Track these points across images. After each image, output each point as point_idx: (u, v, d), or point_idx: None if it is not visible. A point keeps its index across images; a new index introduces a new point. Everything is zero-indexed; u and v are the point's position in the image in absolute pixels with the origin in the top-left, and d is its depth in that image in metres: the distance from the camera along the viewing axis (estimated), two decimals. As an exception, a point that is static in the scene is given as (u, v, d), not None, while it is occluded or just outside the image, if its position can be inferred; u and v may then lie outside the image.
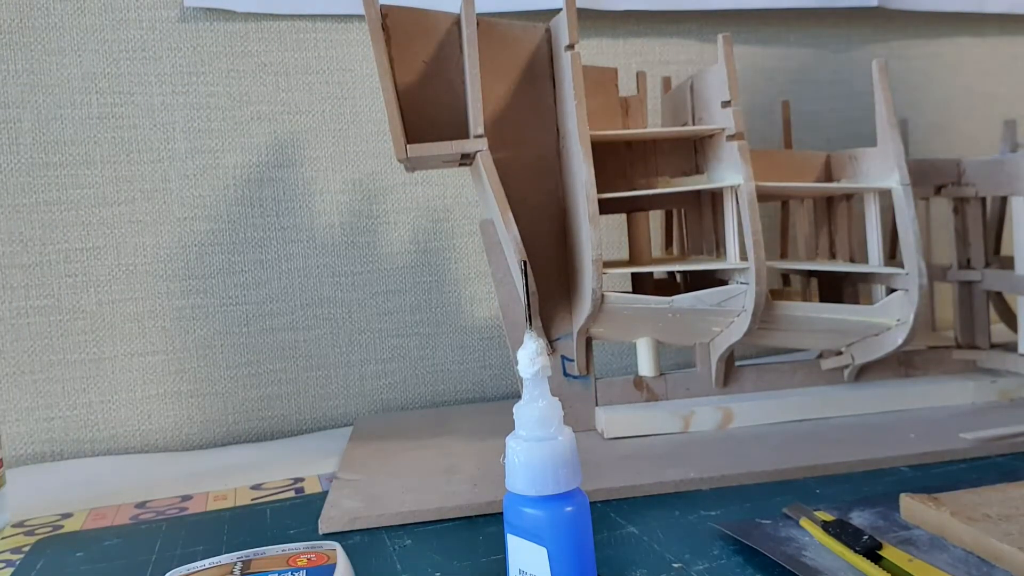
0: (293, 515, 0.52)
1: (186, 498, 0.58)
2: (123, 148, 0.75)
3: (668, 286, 0.73)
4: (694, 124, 0.65)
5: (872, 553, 0.39)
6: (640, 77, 0.70)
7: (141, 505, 0.57)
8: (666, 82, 0.75)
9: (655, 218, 0.79)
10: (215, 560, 0.38)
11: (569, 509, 0.34)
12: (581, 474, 0.35)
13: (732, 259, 0.61)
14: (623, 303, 0.60)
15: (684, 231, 0.74)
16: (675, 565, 0.41)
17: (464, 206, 0.82)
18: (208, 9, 0.75)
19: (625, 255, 0.72)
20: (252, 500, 0.56)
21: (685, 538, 0.44)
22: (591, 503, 0.35)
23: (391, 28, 0.60)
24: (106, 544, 0.50)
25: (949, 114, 0.99)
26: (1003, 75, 1.01)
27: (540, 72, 0.63)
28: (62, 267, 0.73)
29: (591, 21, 0.85)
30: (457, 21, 0.61)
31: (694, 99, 0.65)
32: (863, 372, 0.67)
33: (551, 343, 0.63)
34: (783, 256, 0.82)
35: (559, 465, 0.34)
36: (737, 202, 0.60)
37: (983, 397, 0.65)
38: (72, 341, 0.74)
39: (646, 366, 0.65)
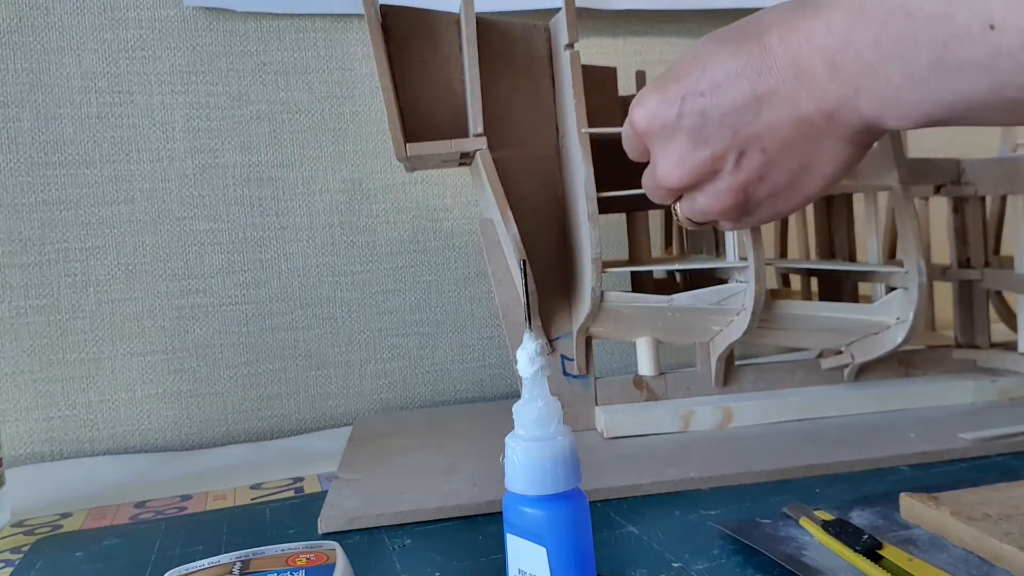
0: (293, 515, 0.52)
1: (186, 498, 0.58)
2: (122, 148, 0.75)
3: (668, 285, 0.73)
4: (694, 123, 0.65)
5: (872, 553, 0.39)
6: (640, 77, 0.70)
7: (141, 505, 0.57)
8: (666, 81, 0.75)
9: (655, 217, 0.79)
10: (214, 560, 0.38)
11: (569, 509, 0.34)
12: (581, 474, 0.35)
13: (731, 258, 0.61)
14: (623, 302, 0.60)
15: (684, 230, 0.73)
16: (675, 565, 0.41)
17: (464, 206, 0.82)
18: (208, 8, 0.75)
19: (625, 254, 0.72)
20: (252, 500, 0.56)
21: (685, 538, 0.44)
22: (591, 503, 0.35)
23: (391, 28, 0.60)
24: (106, 544, 0.50)
25: (949, 113, 0.99)
26: (1003, 74, 1.01)
27: (540, 71, 0.63)
28: (62, 267, 0.73)
29: (591, 21, 0.85)
30: (457, 21, 0.61)
31: (694, 98, 0.65)
32: (863, 371, 0.67)
33: (551, 342, 0.63)
34: (783, 255, 0.82)
35: (558, 465, 0.34)
36: (737, 201, 0.60)
37: (983, 397, 0.65)
38: (72, 341, 0.74)
39: (646, 366, 0.65)
